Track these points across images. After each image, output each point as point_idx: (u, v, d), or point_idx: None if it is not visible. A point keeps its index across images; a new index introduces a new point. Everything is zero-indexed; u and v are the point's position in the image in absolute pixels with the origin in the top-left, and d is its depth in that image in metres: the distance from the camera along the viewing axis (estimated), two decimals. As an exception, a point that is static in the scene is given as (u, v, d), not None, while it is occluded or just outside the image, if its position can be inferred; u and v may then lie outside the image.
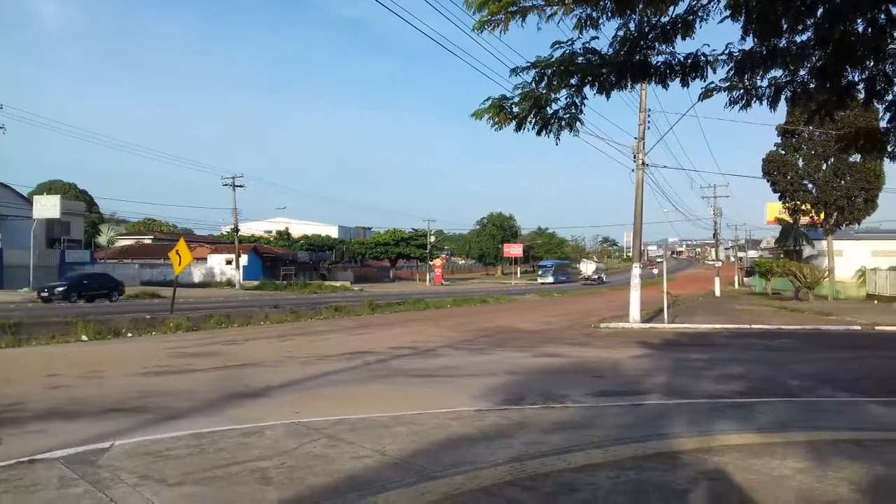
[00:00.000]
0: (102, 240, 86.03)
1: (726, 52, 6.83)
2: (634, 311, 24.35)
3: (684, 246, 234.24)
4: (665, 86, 7.23)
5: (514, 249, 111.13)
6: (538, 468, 5.67)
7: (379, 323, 25.35)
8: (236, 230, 65.80)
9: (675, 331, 22.14)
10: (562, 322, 26.23)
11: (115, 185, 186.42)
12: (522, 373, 12.43)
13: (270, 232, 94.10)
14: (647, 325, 23.64)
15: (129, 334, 19.03)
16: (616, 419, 8.04)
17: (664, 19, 6.76)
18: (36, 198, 52.56)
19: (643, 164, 25.91)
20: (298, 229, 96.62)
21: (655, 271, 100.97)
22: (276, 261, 75.92)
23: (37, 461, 5.81)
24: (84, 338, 17.55)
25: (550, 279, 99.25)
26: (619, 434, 7.09)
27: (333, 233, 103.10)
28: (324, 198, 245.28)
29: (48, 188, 71.99)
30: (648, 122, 26.49)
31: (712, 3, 6.35)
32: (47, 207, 49.37)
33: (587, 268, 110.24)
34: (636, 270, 25.29)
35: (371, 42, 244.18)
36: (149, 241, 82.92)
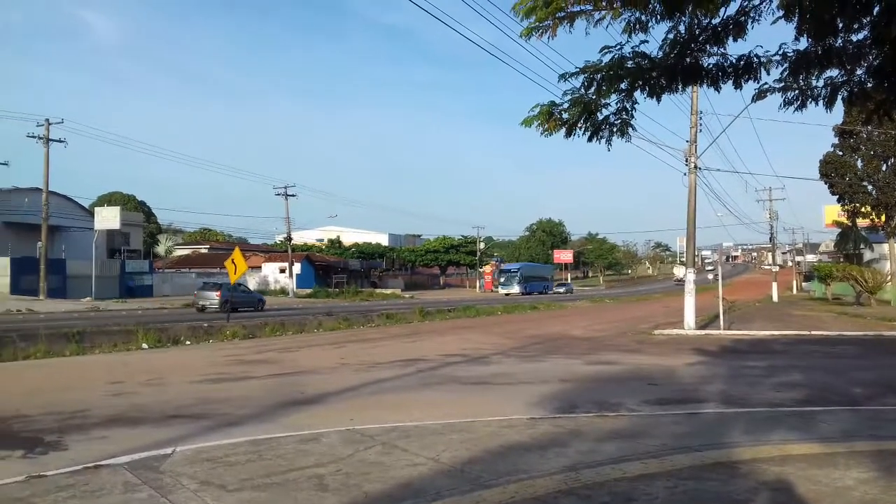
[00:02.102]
0: (161, 250, 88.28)
1: (780, 52, 6.71)
2: (689, 317, 23.94)
3: (739, 250, 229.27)
4: (717, 88, 7.13)
5: (563, 255, 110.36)
6: (593, 477, 5.63)
7: (430, 330, 25.46)
8: (289, 239, 66.82)
9: (731, 337, 21.69)
10: (614, 329, 25.95)
11: (171, 195, 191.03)
12: (575, 380, 12.34)
13: (322, 240, 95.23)
14: (703, 332, 23.22)
15: (188, 342, 19.49)
16: (672, 428, 7.92)
17: (715, 21, 6.67)
18: (97, 210, 54.22)
19: (696, 167, 25.49)
20: (349, 237, 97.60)
21: (710, 276, 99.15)
22: (328, 269, 76.84)
23: (102, 467, 5.99)
24: (144, 346, 18.04)
25: (516, 289, 79.56)
26: (676, 443, 6.99)
27: (384, 241, 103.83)
28: (374, 206, 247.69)
29: (108, 200, 74.16)
30: (700, 124, 26.07)
31: (764, 4, 6.25)
32: (108, 219, 50.89)
33: (679, 272, 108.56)
34: (690, 276, 24.89)
35: (417, 50, 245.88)
36: (205, 251, 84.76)
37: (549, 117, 7.31)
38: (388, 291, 71.34)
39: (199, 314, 33.34)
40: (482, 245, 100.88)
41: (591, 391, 11.11)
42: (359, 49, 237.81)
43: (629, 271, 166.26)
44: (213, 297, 37.38)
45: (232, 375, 12.80)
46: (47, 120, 44.17)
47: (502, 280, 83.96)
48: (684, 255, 33.01)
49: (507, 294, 76.97)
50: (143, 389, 11.03)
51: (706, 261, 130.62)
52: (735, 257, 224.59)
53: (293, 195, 63.82)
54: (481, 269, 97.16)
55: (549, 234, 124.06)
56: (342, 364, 14.63)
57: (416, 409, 9.18)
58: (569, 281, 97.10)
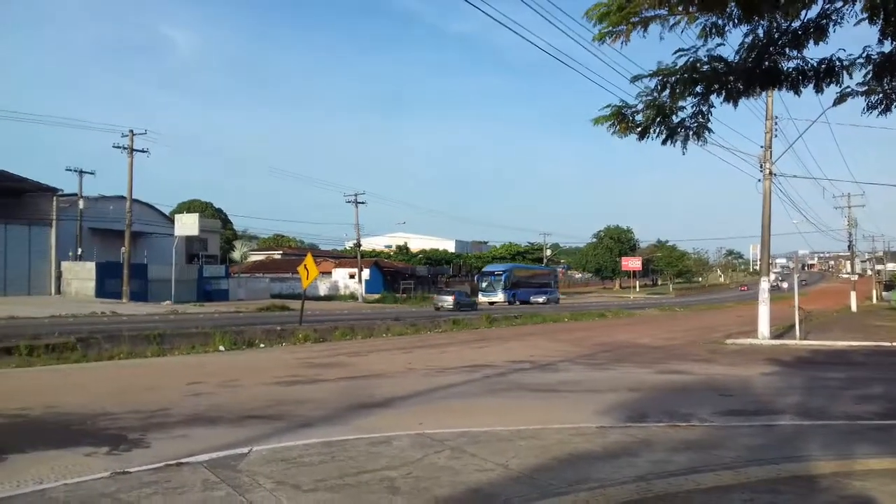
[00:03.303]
0: (236, 255, 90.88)
1: (863, 55, 6.51)
2: (763, 326, 23.26)
3: (815, 258, 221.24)
4: (797, 92, 6.96)
5: (632, 263, 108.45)
6: (666, 488, 5.55)
7: (496, 336, 25.44)
8: (359, 245, 67.86)
9: (808, 348, 20.97)
10: (685, 337, 25.42)
11: (247, 203, 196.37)
12: (645, 389, 12.15)
13: (390, 247, 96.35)
14: (778, 342, 22.52)
15: (262, 345, 19.98)
16: (746, 440, 7.73)
17: (795, 24, 6.52)
18: (177, 216, 56.17)
19: (771, 173, 24.78)
20: (417, 244, 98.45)
21: (785, 285, 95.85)
22: (396, 275, 77.63)
23: (183, 464, 6.20)
24: (221, 348, 18.58)
25: (500, 297, 63.88)
26: (751, 455, 6.82)
27: (451, 247, 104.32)
28: (441, 213, 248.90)
29: (187, 207, 76.72)
30: (775, 129, 25.35)
31: (847, 6, 6.08)
32: (187, 225, 52.65)
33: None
34: (764, 284, 24.19)
35: (484, 58, 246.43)
36: (278, 256, 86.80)
37: (621, 119, 7.27)
38: (455, 298, 71.53)
39: (281, 316, 34.18)
40: (548, 252, 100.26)
41: (662, 401, 10.92)
42: (427, 58, 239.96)
43: (700, 279, 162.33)
44: (448, 300, 49.19)
45: (304, 378, 13.09)
46: (131, 131, 46.02)
47: (483, 285, 67.03)
48: (758, 263, 32.05)
49: (490, 303, 60.45)
50: (220, 390, 11.38)
51: (775, 270, 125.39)
52: (811, 265, 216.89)
53: (363, 202, 64.88)
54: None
55: (617, 241, 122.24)
56: (410, 369, 14.78)
57: (484, 415, 9.21)
58: (553, 287, 77.55)
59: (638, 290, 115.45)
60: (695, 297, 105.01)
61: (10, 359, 14.61)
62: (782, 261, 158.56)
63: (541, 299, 66.95)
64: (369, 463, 6.28)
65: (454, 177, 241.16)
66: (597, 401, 10.68)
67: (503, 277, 66.53)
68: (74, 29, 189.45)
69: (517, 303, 63.95)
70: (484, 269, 73.84)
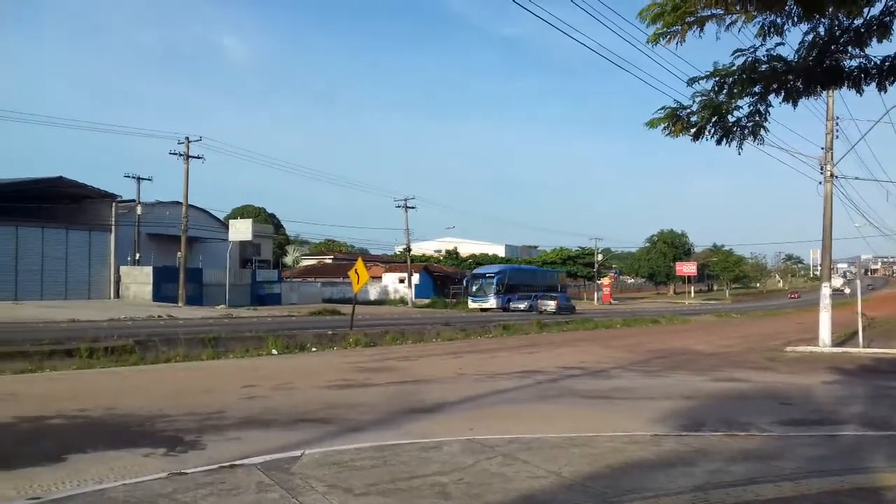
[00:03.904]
0: (288, 260, 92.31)
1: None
2: (825, 333, 22.57)
3: (879, 263, 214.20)
4: (860, 91, 6.76)
5: (686, 268, 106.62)
6: (723, 498, 5.40)
7: (546, 342, 25.26)
8: (408, 250, 68.20)
9: (871, 356, 20.27)
10: (742, 344, 24.85)
11: (298, 208, 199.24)
12: (700, 397, 11.89)
13: (440, 251, 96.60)
14: (840, 350, 21.82)
15: (313, 349, 20.20)
16: (808, 450, 7.50)
17: (857, 22, 6.32)
18: (231, 222, 57.32)
19: (831, 175, 24.06)
20: (466, 248, 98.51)
21: (848, 290, 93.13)
22: (446, 279, 77.83)
23: (237, 466, 6.27)
24: (274, 351, 18.84)
25: (492, 302, 57.05)
26: (812, 466, 6.61)
27: (500, 252, 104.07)
28: (490, 217, 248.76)
29: (241, 213, 78.27)
30: (836, 130, 24.60)
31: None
32: (241, 231, 53.67)
33: (836, 281, 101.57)
34: (826, 290, 23.49)
35: (532, 60, 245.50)
36: (329, 261, 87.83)
37: (675, 120, 7.15)
38: (505, 302, 71.31)
39: (330, 320, 34.57)
40: (600, 256, 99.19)
41: (718, 409, 10.67)
42: (474, 61, 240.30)
43: (757, 285, 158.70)
44: (552, 305, 53.79)
45: (355, 382, 13.17)
46: (187, 138, 47.16)
47: (473, 290, 59.67)
48: (818, 268, 31.15)
49: (482, 310, 54.58)
50: (273, 393, 11.51)
51: (837, 275, 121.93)
52: (874, 270, 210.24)
53: (412, 207, 65.30)
54: (599, 281, 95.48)
55: (671, 246, 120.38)
56: (460, 374, 14.75)
57: (536, 422, 9.12)
58: (562, 290, 68.40)
59: (693, 295, 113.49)
60: (752, 303, 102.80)
61: (71, 361, 15.04)
62: (844, 265, 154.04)
63: (550, 306, 54.61)
64: (420, 468, 6.27)
65: (503, 181, 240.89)
66: (651, 408, 10.49)
67: (495, 280, 58.92)
68: (130, 39, 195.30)
69: (513, 309, 55.76)
70: (474, 271, 65.61)
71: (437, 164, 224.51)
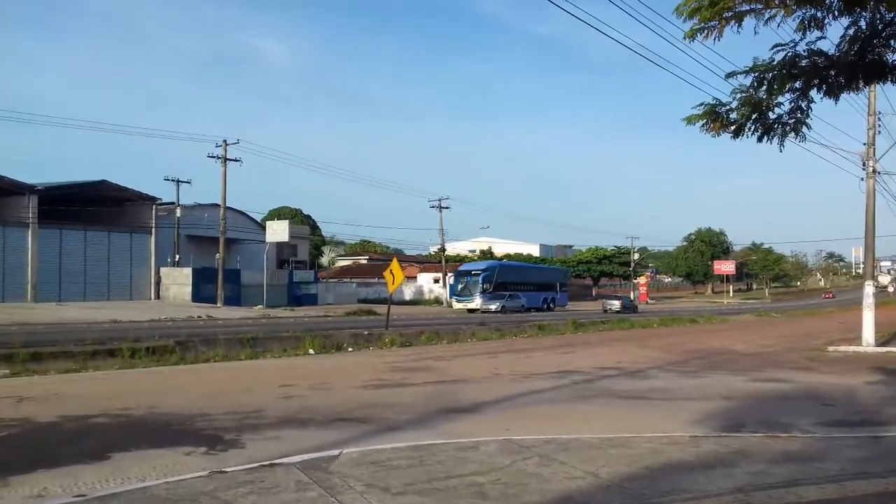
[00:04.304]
0: (324, 261, 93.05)
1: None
2: (868, 333, 22.06)
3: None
4: (904, 85, 6.59)
5: (725, 266, 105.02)
6: (765, 500, 5.32)
7: (583, 342, 25.10)
8: (443, 250, 68.30)
9: (918, 356, 19.77)
10: (782, 344, 24.42)
11: (334, 209, 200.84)
12: (740, 398, 11.72)
13: (474, 251, 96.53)
14: (883, 349, 21.32)
15: (350, 349, 20.35)
16: (851, 452, 7.35)
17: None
18: (268, 223, 57.99)
19: (874, 171, 23.52)
20: (501, 248, 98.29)
21: (892, 289, 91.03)
22: (480, 279, 77.54)
23: (276, 465, 6.34)
24: (311, 351, 19.01)
25: (478, 302, 51.19)
26: (856, 468, 6.47)
27: (535, 251, 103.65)
28: (525, 217, 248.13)
29: (278, 214, 79.12)
30: (879, 125, 24.05)
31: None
32: (278, 232, 54.29)
33: (883, 279, 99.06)
34: (868, 289, 22.96)
35: (567, 59, 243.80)
36: (364, 262, 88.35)
37: (714, 117, 7.06)
38: (540, 302, 70.99)
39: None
40: (636, 256, 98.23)
41: (759, 410, 10.51)
42: (509, 61, 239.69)
43: (798, 283, 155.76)
44: (616, 304, 55.36)
45: (392, 382, 13.23)
46: (224, 141, 47.85)
47: (458, 288, 54.06)
48: (860, 266, 30.42)
49: (468, 311, 49.52)
50: (310, 393, 11.62)
51: (881, 273, 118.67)
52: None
53: (447, 207, 65.40)
54: (635, 281, 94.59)
55: (709, 245, 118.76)
56: (496, 374, 14.73)
57: (572, 422, 9.07)
58: (559, 290, 62.71)
59: (731, 294, 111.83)
60: (792, 302, 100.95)
61: (114, 361, 15.35)
62: (887, 263, 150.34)
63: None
64: (457, 468, 6.27)
65: (539, 180, 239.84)
66: (689, 409, 10.37)
67: (481, 278, 52.81)
68: (170, 44, 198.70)
69: (483, 310, 49.64)
70: (460, 268, 58.89)
71: (471, 165, 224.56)
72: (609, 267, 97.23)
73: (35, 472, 6.30)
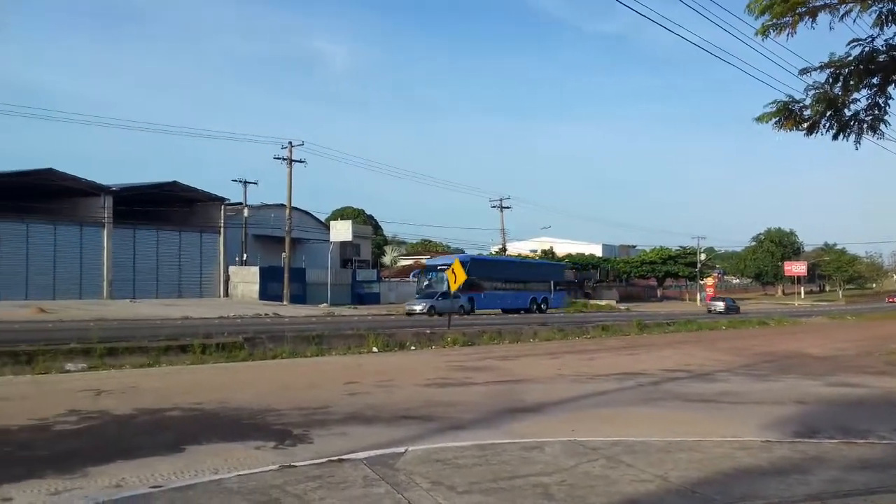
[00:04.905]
0: (386, 260, 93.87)
1: None
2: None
3: None
4: None
5: (796, 267, 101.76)
6: (842, 509, 5.16)
7: (647, 343, 24.70)
8: (504, 250, 68.21)
9: None
10: (857, 348, 23.55)
11: (395, 209, 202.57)
12: (813, 402, 11.36)
13: (535, 251, 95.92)
14: (969, 355, 20.35)
15: (412, 347, 20.50)
16: (934, 461, 7.04)
17: None
18: (332, 223, 58.96)
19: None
20: (562, 248, 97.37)
21: None
22: (542, 279, 77.02)
23: (344, 461, 6.43)
24: (374, 349, 19.24)
25: (421, 304, 41.98)
26: (940, 478, 6.21)
27: (597, 251, 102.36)
28: (587, 217, 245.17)
29: (341, 214, 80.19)
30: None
31: None
32: (341, 232, 55.14)
33: None
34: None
35: (629, 57, 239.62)
36: (426, 261, 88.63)
37: (787, 114, 6.88)
38: (603, 303, 70.19)
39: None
40: (703, 256, 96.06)
41: (833, 415, 10.17)
42: (570, 59, 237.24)
43: (873, 285, 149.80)
44: (720, 305, 56.90)
45: (455, 381, 13.28)
46: (290, 143, 48.82)
47: (423, 286, 46.44)
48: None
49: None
50: (375, 390, 11.76)
51: None
52: None
53: (508, 207, 65.34)
54: (702, 282, 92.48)
55: (779, 245, 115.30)
56: (559, 375, 14.63)
57: (639, 425, 8.95)
58: (553, 289, 54.30)
59: (802, 296, 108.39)
60: (867, 304, 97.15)
61: (186, 356, 15.83)
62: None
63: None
64: (522, 468, 6.26)
65: (601, 179, 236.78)
66: (760, 413, 10.11)
67: (444, 274, 40.94)
68: (236, 49, 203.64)
69: (419, 312, 40.91)
70: (427, 263, 51.11)
71: (533, 164, 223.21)
72: (674, 267, 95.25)
73: (113, 463, 6.56)
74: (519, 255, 79.25)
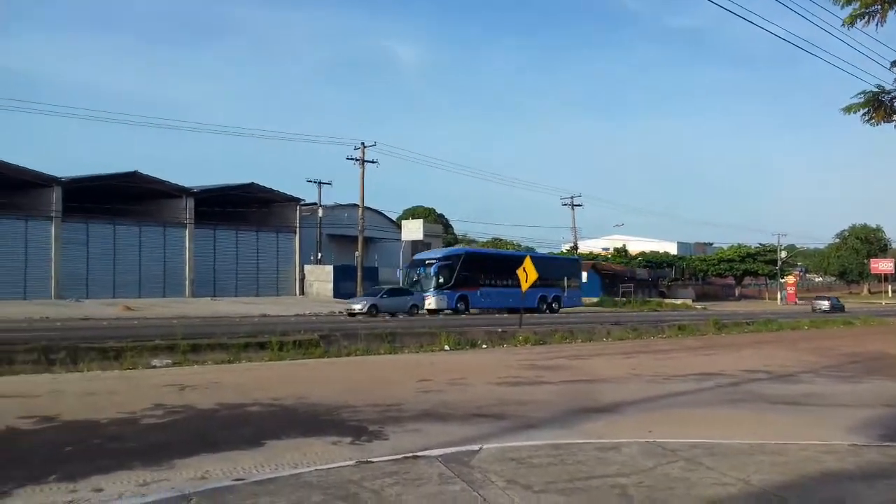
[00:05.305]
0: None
1: None
2: None
3: None
4: None
5: (883, 265, 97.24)
6: (939, 518, 4.92)
7: (726, 343, 24.05)
8: (575, 248, 67.58)
9: None
10: (953, 349, 22.35)
11: (465, 207, 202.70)
12: (904, 406, 10.86)
13: (608, 249, 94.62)
14: None
15: (484, 345, 20.52)
16: None
17: None
18: (403, 222, 59.57)
19: None
20: (636, 246, 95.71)
21: None
22: (614, 278, 76.13)
23: (419, 458, 6.48)
24: (446, 347, 19.34)
25: (432, 301, 39.37)
26: None
27: (672, 249, 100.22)
28: (661, 213, 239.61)
29: (412, 213, 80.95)
30: None
31: None
32: (412, 231, 55.65)
33: None
34: None
35: (708, 50, 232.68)
36: (414, 256, 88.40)
37: (876, 106, 6.61)
38: (678, 302, 68.71)
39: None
40: (783, 254, 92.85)
41: (928, 420, 9.69)
42: (644, 56, 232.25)
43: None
44: (825, 304, 58.10)
45: (527, 379, 13.23)
46: (363, 143, 49.46)
47: (411, 281, 42.07)
48: None
49: (361, 312, 35.21)
50: (447, 388, 11.82)
51: None
52: None
53: (579, 205, 64.71)
54: (782, 280, 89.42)
55: (865, 242, 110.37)
56: (634, 374, 14.40)
57: (718, 426, 8.74)
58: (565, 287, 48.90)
59: (890, 294, 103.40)
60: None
61: (264, 353, 16.25)
62: None
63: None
64: (598, 468, 6.20)
65: (675, 176, 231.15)
66: (846, 416, 9.72)
67: (433, 269, 40.55)
68: (310, 53, 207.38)
69: (360, 311, 35.65)
70: (414, 257, 46.62)
71: (605, 162, 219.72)
72: (753, 265, 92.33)
73: (198, 456, 6.80)
74: (674, 258, 76.74)
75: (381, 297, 37.36)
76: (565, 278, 50.04)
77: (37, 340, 14.89)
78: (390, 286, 40.83)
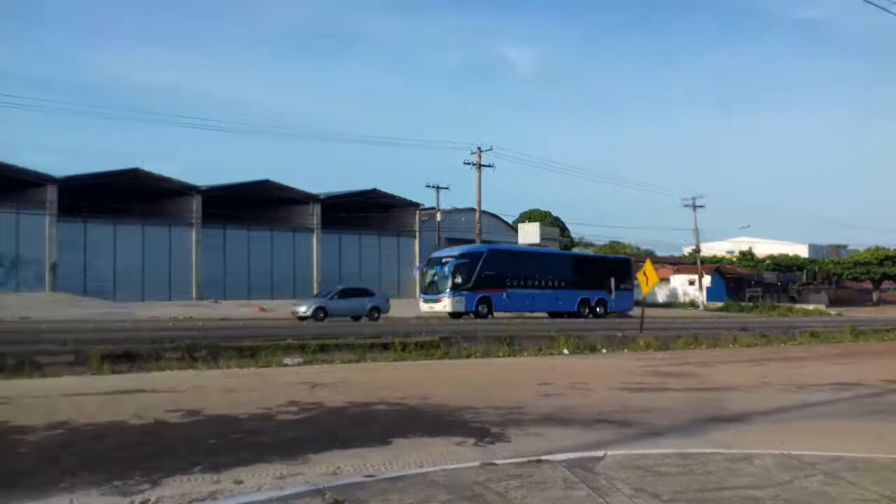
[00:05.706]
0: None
1: None
2: None
3: None
4: None
5: None
6: None
7: (864, 351, 22.64)
8: (698, 251, 65.32)
9: None
10: None
11: (581, 210, 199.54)
12: None
13: (732, 252, 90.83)
14: None
15: (603, 350, 20.24)
16: None
17: None
18: (520, 226, 59.65)
19: None
20: (763, 248, 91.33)
21: None
22: (740, 282, 73.13)
23: (542, 462, 6.48)
24: (565, 351, 19.21)
25: (446, 303, 36.52)
26: None
27: (802, 252, 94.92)
28: (792, 215, 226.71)
29: (528, 216, 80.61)
30: None
31: None
32: (529, 234, 55.67)
33: None
34: None
35: (836, 41, 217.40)
36: (432, 254, 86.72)
37: None
38: (810, 307, 65.02)
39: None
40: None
41: None
42: (766, 49, 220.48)
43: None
44: None
45: (650, 386, 12.95)
46: (479, 148, 49.90)
47: (426, 283, 39.24)
48: None
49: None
50: (568, 392, 11.76)
51: None
52: None
53: (701, 206, 62.53)
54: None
55: None
56: (764, 383, 13.80)
57: (860, 440, 8.25)
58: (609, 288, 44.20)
59: None
60: None
61: (388, 353, 16.73)
62: None
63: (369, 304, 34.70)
64: (730, 479, 6.02)
65: (807, 174, 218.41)
66: None
67: (448, 268, 37.10)
68: (431, 60, 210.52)
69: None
70: (431, 255, 41.96)
71: (728, 161, 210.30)
72: (892, 269, 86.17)
73: (329, 452, 7.07)
74: (805, 261, 73.00)
75: (332, 298, 33.61)
76: (612, 279, 44.85)
77: (181, 339, 15.96)
78: (344, 286, 36.56)
